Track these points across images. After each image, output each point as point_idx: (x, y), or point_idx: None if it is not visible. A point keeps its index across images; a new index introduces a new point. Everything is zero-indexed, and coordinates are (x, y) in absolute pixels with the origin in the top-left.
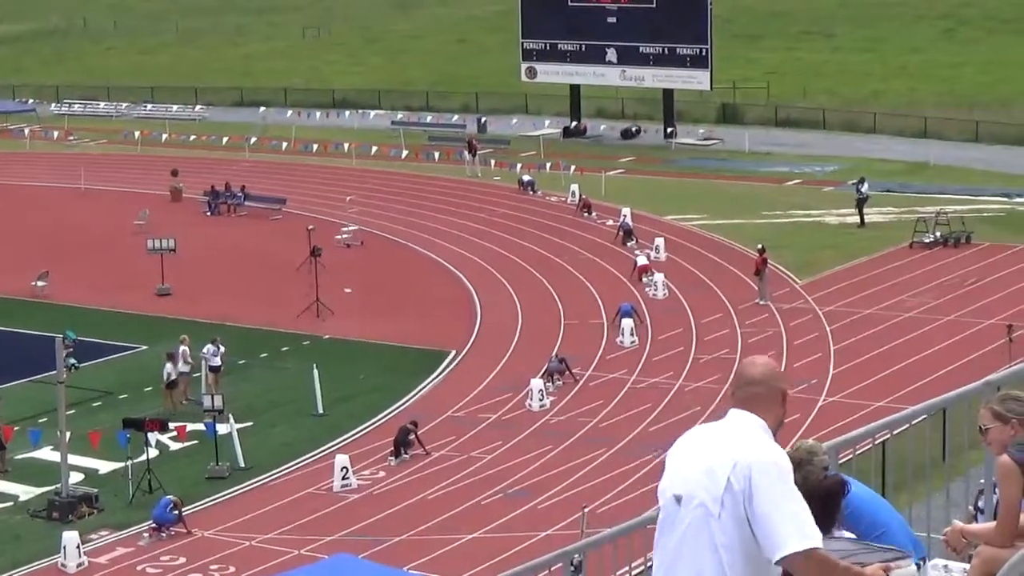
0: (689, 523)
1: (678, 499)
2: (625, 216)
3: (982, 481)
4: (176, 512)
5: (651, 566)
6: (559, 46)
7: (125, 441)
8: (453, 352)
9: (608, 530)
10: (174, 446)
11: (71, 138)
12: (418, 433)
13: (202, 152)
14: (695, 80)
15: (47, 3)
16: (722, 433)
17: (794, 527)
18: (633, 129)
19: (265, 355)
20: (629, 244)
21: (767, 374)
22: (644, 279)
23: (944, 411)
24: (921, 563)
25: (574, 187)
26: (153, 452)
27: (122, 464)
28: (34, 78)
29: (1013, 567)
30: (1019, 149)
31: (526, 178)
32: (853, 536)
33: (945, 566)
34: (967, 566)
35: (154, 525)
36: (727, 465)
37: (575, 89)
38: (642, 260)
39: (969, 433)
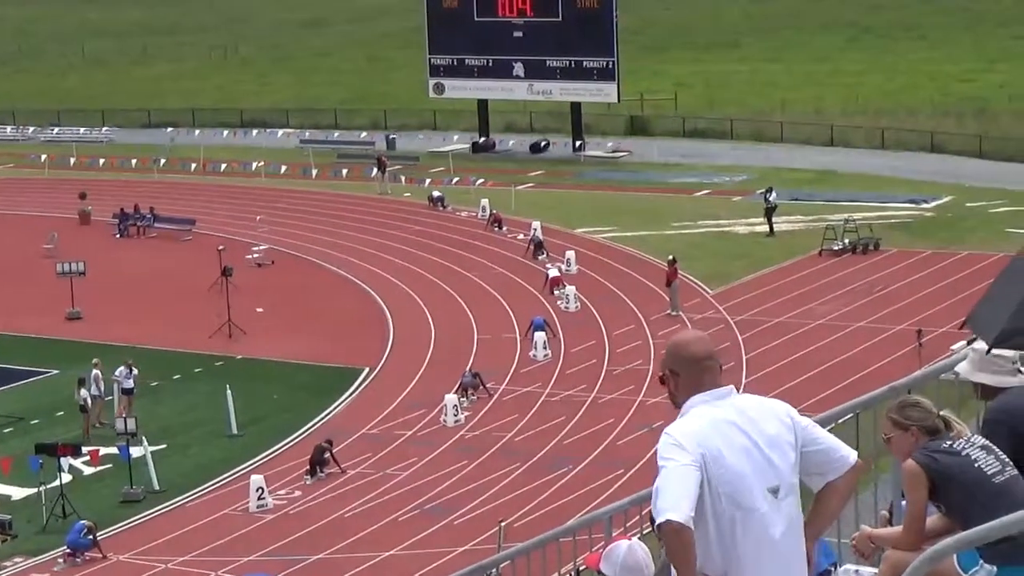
0: (791, 508)
1: (775, 491)
2: (536, 230)
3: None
4: (91, 537)
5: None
6: (466, 61)
7: (38, 466)
8: (367, 369)
9: (524, 543)
10: (87, 470)
11: None
12: (333, 451)
13: (111, 174)
14: (603, 93)
15: None
16: (746, 405)
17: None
18: (542, 143)
19: (178, 377)
20: (540, 257)
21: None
22: (556, 292)
23: (857, 416)
24: (832, 568)
25: (484, 202)
26: (66, 477)
27: (35, 490)
28: None
29: (916, 569)
30: (925, 155)
31: (436, 194)
32: None
33: (856, 571)
34: (876, 570)
35: (69, 550)
36: (786, 430)
37: (483, 104)
38: (553, 273)
39: (878, 439)
